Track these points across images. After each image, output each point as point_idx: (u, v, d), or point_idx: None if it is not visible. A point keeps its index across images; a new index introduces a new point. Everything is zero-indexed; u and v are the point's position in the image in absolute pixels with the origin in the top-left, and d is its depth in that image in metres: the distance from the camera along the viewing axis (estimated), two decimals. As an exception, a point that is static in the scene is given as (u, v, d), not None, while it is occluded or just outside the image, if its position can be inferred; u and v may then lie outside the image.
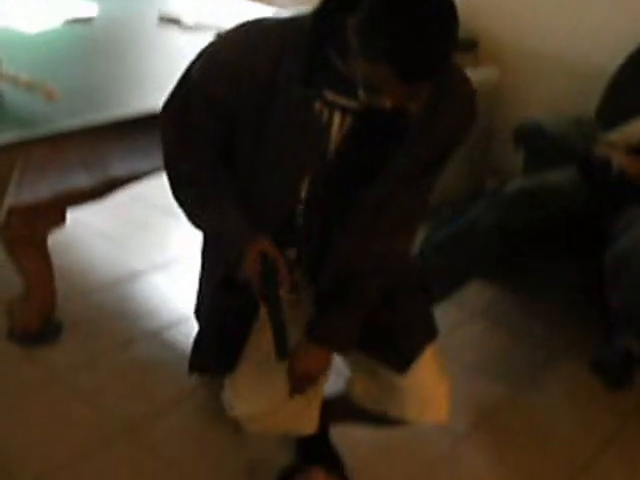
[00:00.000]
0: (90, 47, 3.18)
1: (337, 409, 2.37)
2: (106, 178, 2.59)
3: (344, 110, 1.83)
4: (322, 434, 2.39)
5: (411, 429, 2.23)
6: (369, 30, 1.63)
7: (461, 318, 2.18)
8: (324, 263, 2.09)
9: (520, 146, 3.56)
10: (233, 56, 1.89)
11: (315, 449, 2.41)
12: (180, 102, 2.01)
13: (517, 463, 2.57)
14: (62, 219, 2.66)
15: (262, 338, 2.16)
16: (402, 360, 2.11)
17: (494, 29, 4.15)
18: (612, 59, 3.57)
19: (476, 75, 3.98)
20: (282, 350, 1.98)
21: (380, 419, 2.23)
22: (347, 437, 2.49)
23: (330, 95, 1.82)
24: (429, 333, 2.17)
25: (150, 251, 3.42)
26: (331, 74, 1.80)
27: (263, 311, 2.11)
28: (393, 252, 2.09)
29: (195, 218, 2.10)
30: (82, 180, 2.52)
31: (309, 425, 2.26)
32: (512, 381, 2.95)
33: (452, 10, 1.64)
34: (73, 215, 3.17)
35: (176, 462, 2.41)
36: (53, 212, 2.59)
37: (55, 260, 2.80)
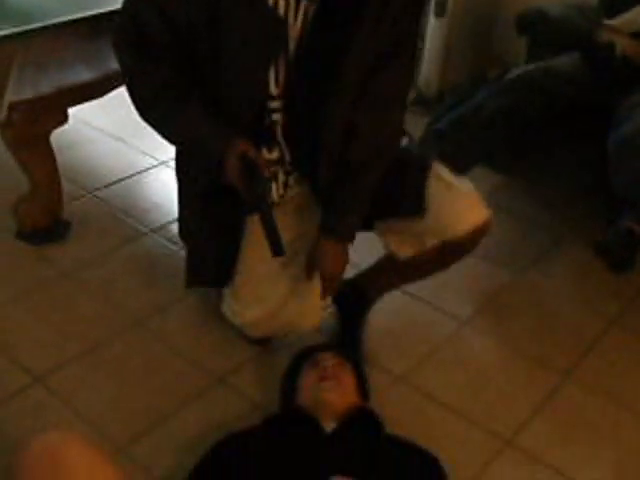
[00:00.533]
0: None
1: (381, 277, 2.43)
2: (106, 72, 2.56)
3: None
4: (362, 310, 2.45)
5: (422, 311, 2.25)
6: None
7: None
8: (314, 157, 2.09)
9: (523, 34, 3.51)
10: None
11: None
12: (131, 20, 1.96)
13: (521, 345, 2.60)
14: (64, 116, 2.65)
15: (255, 244, 2.18)
16: (415, 206, 2.14)
17: None
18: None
19: (479, -37, 3.93)
20: (277, 247, 1.99)
21: (425, 266, 2.29)
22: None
23: None
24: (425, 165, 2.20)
25: (155, 148, 3.40)
26: None
27: (251, 217, 2.13)
28: (384, 132, 2.09)
29: (168, 135, 2.11)
30: (82, 75, 2.51)
31: (311, 319, 2.31)
32: (516, 266, 2.97)
33: None
34: (76, 114, 3.17)
35: (185, 350, 2.45)
36: (54, 108, 2.57)
37: (60, 159, 2.79)
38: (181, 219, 2.39)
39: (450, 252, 2.21)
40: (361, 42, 1.90)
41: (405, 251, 2.24)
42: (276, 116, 2.04)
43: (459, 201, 2.17)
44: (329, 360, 2.09)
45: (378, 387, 2.34)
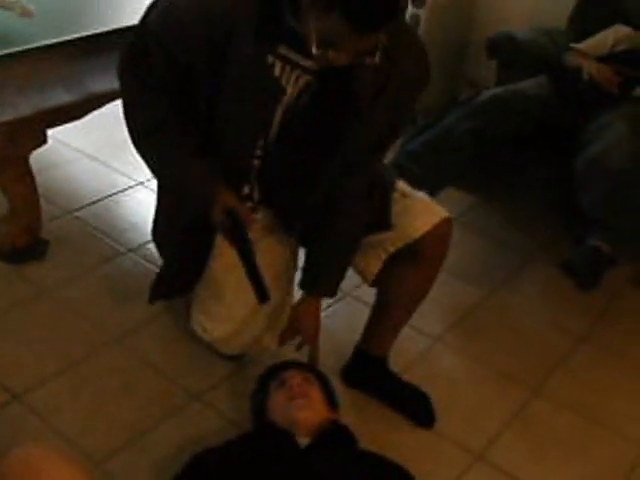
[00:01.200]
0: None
1: (380, 331, 2.41)
2: (85, 95, 2.58)
3: (299, 67, 1.85)
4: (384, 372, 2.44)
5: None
6: None
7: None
8: (284, 202, 2.17)
9: (493, 57, 3.56)
10: (188, 12, 1.89)
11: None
12: (138, 52, 2.01)
13: (492, 362, 2.63)
14: (43, 138, 2.65)
15: (223, 256, 2.23)
16: (383, 223, 2.20)
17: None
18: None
19: (451, -12, 3.98)
20: (262, 293, 2.05)
21: (409, 293, 2.32)
22: (330, 340, 2.54)
23: (283, 49, 1.83)
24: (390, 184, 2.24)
25: (132, 169, 3.41)
26: (284, 31, 1.80)
27: (220, 237, 2.19)
28: (364, 194, 2.15)
29: (157, 169, 2.15)
30: (61, 97, 2.51)
31: (271, 342, 2.34)
32: (487, 284, 3.01)
33: None
34: (56, 136, 3.19)
35: (162, 367, 2.46)
36: (34, 130, 2.57)
37: (39, 179, 2.79)
38: (155, 223, 2.43)
39: (423, 262, 2.24)
40: (355, 131, 1.95)
41: (372, 266, 2.27)
42: (255, 161, 2.09)
43: (414, 205, 2.22)
44: (295, 378, 2.10)
45: (353, 401, 2.39)
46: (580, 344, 2.76)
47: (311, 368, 2.22)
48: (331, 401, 2.14)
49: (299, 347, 2.30)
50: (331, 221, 2.14)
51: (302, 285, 2.25)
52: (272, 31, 1.82)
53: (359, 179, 2.10)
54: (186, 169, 2.06)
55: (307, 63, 1.83)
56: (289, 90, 1.91)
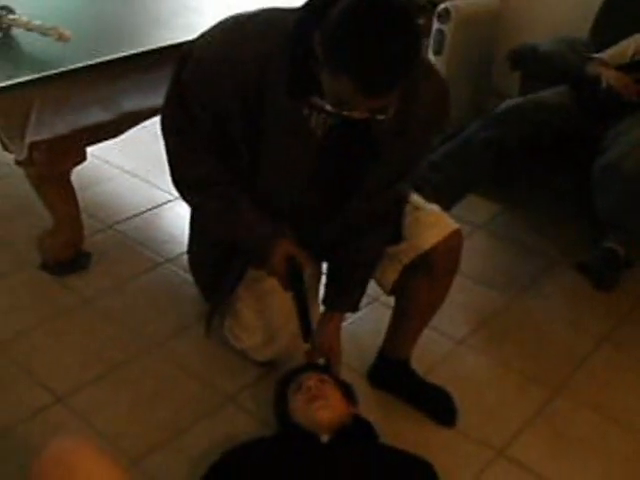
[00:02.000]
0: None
1: (400, 336, 2.46)
2: (121, 113, 2.66)
3: (325, 112, 1.82)
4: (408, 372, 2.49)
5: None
6: (332, 43, 1.64)
7: (463, 232, 2.27)
8: (313, 235, 2.23)
9: (516, 68, 3.60)
10: (220, 66, 1.90)
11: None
12: (176, 105, 2.04)
13: (515, 363, 2.67)
14: (82, 156, 2.74)
15: (259, 275, 2.29)
16: (394, 236, 2.25)
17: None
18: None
19: (476, 3, 4.02)
20: (308, 333, 2.22)
21: (428, 300, 2.36)
22: (357, 343, 2.61)
23: (314, 99, 1.81)
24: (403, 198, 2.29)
25: (170, 184, 3.46)
26: (314, 80, 1.77)
27: None
28: (389, 229, 2.24)
29: (209, 225, 2.23)
30: (98, 116, 2.60)
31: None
32: (509, 288, 3.04)
33: (412, 26, 1.66)
34: (96, 153, 3.29)
35: (197, 371, 2.53)
36: (73, 148, 2.67)
37: (80, 195, 2.90)
38: (191, 244, 2.51)
39: (436, 273, 2.27)
40: (375, 170, 2.00)
41: (389, 277, 2.32)
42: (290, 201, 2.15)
43: (425, 218, 2.26)
44: (311, 380, 2.14)
45: (378, 402, 2.45)
46: (600, 345, 2.78)
47: (325, 369, 2.27)
48: (349, 397, 2.18)
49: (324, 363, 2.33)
50: (353, 242, 2.19)
51: (324, 301, 2.32)
52: (304, 82, 1.80)
53: (379, 206, 2.16)
54: (246, 224, 2.10)
55: (330, 108, 1.79)
56: (318, 132, 1.92)
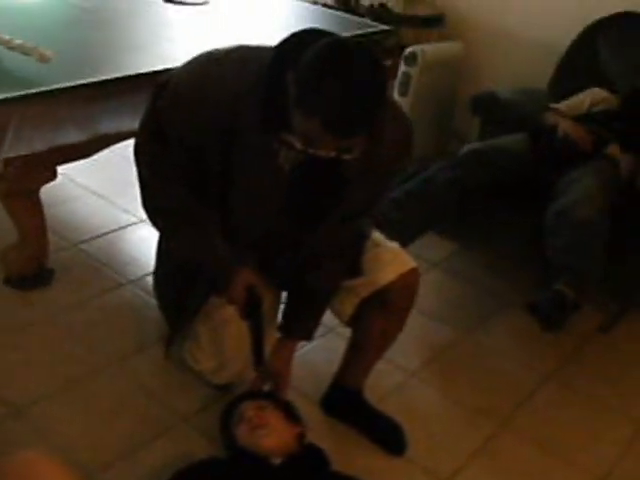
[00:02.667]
0: (84, 16, 3.24)
1: (353, 367, 2.51)
2: (96, 135, 2.67)
3: (293, 148, 1.84)
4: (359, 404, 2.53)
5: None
6: (304, 85, 1.70)
7: (420, 269, 2.33)
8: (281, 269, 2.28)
9: (476, 114, 3.70)
10: (195, 98, 1.94)
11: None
12: (151, 134, 2.07)
13: (464, 397, 2.73)
14: (53, 173, 2.75)
15: (219, 302, 2.31)
16: (353, 270, 2.30)
17: (460, 6, 4.27)
18: (564, 37, 3.72)
19: (442, 48, 4.13)
20: (259, 361, 2.25)
21: (382, 335, 2.40)
22: (311, 371, 2.66)
23: (285, 135, 1.83)
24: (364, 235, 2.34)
25: (137, 207, 3.45)
26: (286, 117, 1.80)
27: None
28: (349, 255, 2.29)
29: (175, 245, 2.25)
30: (73, 136, 2.60)
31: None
32: (462, 325, 3.11)
33: (381, 72, 1.74)
34: (65, 172, 3.30)
35: (154, 390, 2.54)
36: (45, 166, 2.69)
37: (47, 212, 2.91)
38: (157, 265, 2.53)
39: (391, 308, 2.33)
40: (339, 205, 2.04)
41: (346, 309, 2.37)
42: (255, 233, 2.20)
43: (384, 254, 2.31)
44: (250, 410, 2.16)
45: (331, 429, 2.49)
46: (545, 382, 2.86)
47: (268, 395, 2.29)
48: (293, 417, 2.21)
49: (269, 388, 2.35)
50: (312, 272, 2.23)
51: (280, 328, 2.35)
52: (277, 119, 1.82)
53: (339, 238, 2.20)
54: (211, 250, 2.13)
55: (299, 146, 1.81)
56: (286, 167, 1.93)
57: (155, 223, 2.24)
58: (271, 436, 2.09)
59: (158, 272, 2.53)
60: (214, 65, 1.96)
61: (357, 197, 2.05)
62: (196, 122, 1.96)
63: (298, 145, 1.78)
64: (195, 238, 2.14)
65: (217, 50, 1.99)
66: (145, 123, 2.11)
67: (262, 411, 2.15)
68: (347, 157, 1.79)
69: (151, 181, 2.14)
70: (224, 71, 1.94)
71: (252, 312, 2.20)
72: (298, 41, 1.82)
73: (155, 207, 2.19)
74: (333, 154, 1.77)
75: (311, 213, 2.07)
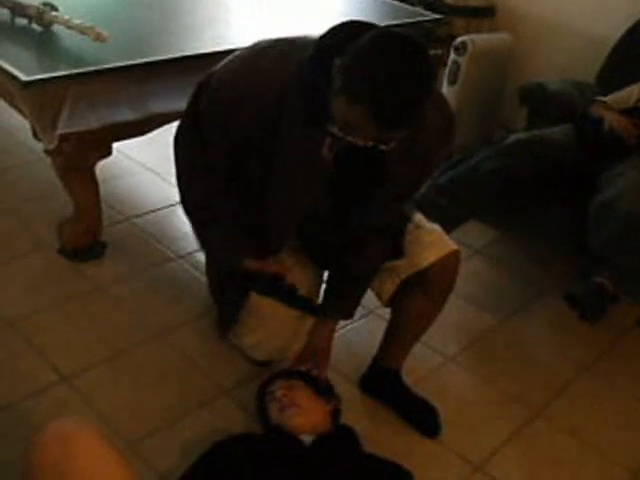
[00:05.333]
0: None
1: (395, 347, 2.45)
2: (148, 114, 2.66)
3: (333, 136, 1.77)
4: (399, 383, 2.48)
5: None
6: (353, 72, 1.64)
7: (461, 255, 2.27)
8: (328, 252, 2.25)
9: (524, 104, 3.60)
10: (239, 97, 1.88)
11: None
12: (191, 130, 2.04)
13: (499, 383, 2.66)
14: (108, 150, 2.76)
15: (259, 302, 2.29)
16: (395, 252, 2.24)
17: (511, -1, 4.18)
18: (614, 31, 3.60)
19: (492, 39, 4.04)
20: (314, 309, 2.26)
21: (422, 315, 2.35)
22: (352, 351, 2.60)
23: (329, 126, 1.76)
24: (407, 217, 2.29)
25: None
26: (328, 109, 1.74)
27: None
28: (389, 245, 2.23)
29: (204, 238, 2.21)
30: (126, 115, 2.60)
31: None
32: (500, 312, 3.03)
33: (429, 64, 1.66)
34: (120, 149, 3.30)
35: (198, 362, 2.53)
36: (100, 142, 2.69)
37: (102, 187, 2.91)
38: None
39: (431, 290, 2.27)
40: (382, 190, 1.98)
41: (387, 289, 2.32)
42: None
43: (425, 237, 2.25)
44: (280, 389, 2.13)
45: (367, 409, 2.44)
46: (582, 374, 2.77)
47: (296, 372, 2.24)
48: (324, 394, 2.17)
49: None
50: (354, 253, 2.18)
51: (321, 307, 2.32)
52: (320, 111, 1.76)
53: (381, 222, 2.15)
54: (234, 248, 2.13)
55: (338, 132, 1.75)
56: (328, 156, 1.85)
57: (188, 212, 2.20)
58: (300, 415, 2.05)
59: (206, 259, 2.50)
60: (254, 62, 1.90)
61: (399, 182, 1.99)
62: (237, 121, 1.91)
63: (336, 131, 1.72)
64: (221, 237, 2.13)
65: (257, 46, 1.93)
66: (185, 120, 2.07)
67: (292, 390, 2.12)
68: (384, 148, 1.74)
69: (188, 173, 2.12)
70: (265, 67, 1.87)
71: (291, 299, 2.19)
72: (342, 32, 1.77)
73: (190, 197, 2.16)
74: (370, 143, 1.71)
75: (353, 199, 2.02)
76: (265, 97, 1.85)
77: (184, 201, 2.18)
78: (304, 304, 2.23)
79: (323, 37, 1.82)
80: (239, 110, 1.89)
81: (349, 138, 1.71)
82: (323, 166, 1.87)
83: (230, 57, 1.96)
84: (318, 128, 1.78)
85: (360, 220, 2.09)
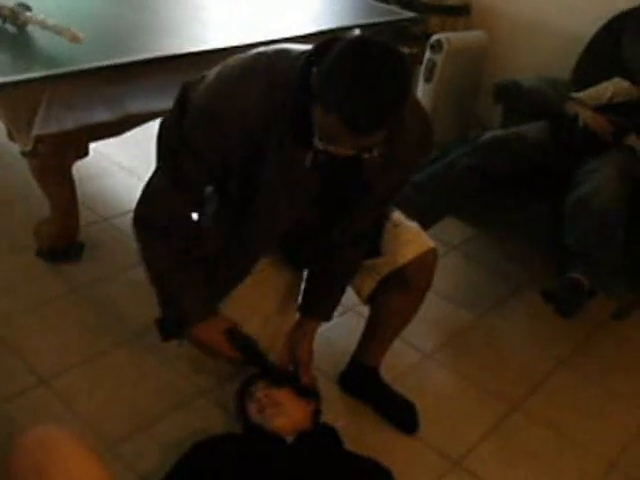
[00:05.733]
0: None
1: (372, 344, 2.45)
2: (124, 115, 2.63)
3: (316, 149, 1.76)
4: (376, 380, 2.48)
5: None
6: (324, 80, 1.63)
7: (438, 252, 2.27)
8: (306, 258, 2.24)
9: (499, 101, 3.61)
10: (224, 118, 1.81)
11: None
12: (170, 150, 1.96)
13: (476, 378, 2.67)
14: (85, 151, 2.73)
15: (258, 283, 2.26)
16: (373, 250, 2.24)
17: (486, -4, 4.18)
18: (588, 28, 3.61)
19: (467, 37, 4.05)
20: (266, 367, 2.18)
21: (399, 312, 2.35)
22: (330, 349, 2.60)
23: (316, 142, 1.74)
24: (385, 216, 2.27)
25: None
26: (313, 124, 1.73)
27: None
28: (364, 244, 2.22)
29: (150, 266, 2.14)
30: (102, 115, 2.57)
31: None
32: (477, 308, 3.04)
33: (404, 70, 1.63)
34: (96, 149, 3.26)
35: (176, 363, 2.51)
36: (77, 143, 2.66)
37: (79, 188, 2.87)
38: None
39: (409, 287, 2.27)
40: (363, 199, 1.98)
41: (366, 287, 2.32)
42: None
43: (403, 235, 2.25)
44: (259, 390, 2.11)
45: (347, 406, 2.44)
46: (559, 367, 2.78)
47: (276, 372, 2.21)
48: (305, 394, 2.15)
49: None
50: (334, 255, 2.18)
51: (300, 309, 2.31)
52: (306, 128, 1.74)
53: (363, 226, 2.15)
54: (188, 284, 2.07)
55: (319, 143, 1.73)
56: (309, 167, 1.84)
57: (137, 232, 2.11)
58: (280, 416, 2.04)
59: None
60: (239, 79, 1.83)
61: (379, 191, 1.99)
62: (225, 141, 1.85)
63: (317, 143, 1.71)
64: (171, 273, 2.08)
65: (241, 60, 1.86)
66: (164, 139, 2.00)
67: (272, 391, 2.10)
68: (366, 156, 1.72)
69: (163, 193, 2.03)
70: (250, 85, 1.81)
71: (244, 347, 2.13)
72: (324, 45, 1.72)
73: (156, 221, 2.05)
74: (351, 152, 1.70)
75: (337, 209, 2.01)
76: (250, 113, 1.80)
77: (144, 221, 2.08)
78: (259, 360, 2.18)
79: (309, 56, 1.77)
80: (225, 129, 1.83)
81: (331, 148, 1.70)
82: (308, 182, 1.87)
83: (213, 73, 1.88)
84: (304, 146, 1.77)
85: (343, 227, 2.09)
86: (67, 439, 1.46)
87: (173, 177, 1.97)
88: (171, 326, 2.16)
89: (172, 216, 2.02)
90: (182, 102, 1.92)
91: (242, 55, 1.87)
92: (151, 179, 2.05)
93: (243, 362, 2.18)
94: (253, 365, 2.18)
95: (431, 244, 2.27)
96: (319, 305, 2.29)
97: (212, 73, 1.88)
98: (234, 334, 2.11)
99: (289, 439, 1.97)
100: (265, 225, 2.03)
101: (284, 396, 2.09)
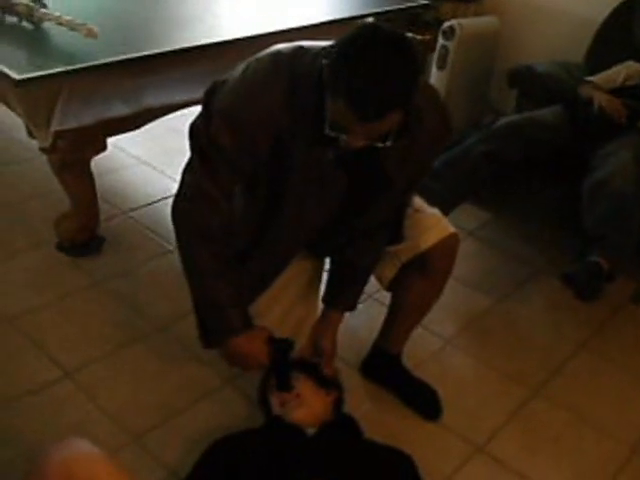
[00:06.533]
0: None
1: (394, 330, 2.43)
2: (141, 109, 2.63)
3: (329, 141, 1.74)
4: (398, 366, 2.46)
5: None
6: (331, 68, 1.62)
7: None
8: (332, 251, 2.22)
9: (513, 87, 3.58)
10: (249, 120, 1.79)
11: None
12: (201, 154, 1.92)
13: (497, 364, 2.64)
14: (103, 145, 2.72)
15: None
16: (395, 237, 2.21)
17: (497, -18, 4.13)
18: (600, 11, 3.57)
19: (479, 23, 4.00)
20: (286, 384, 2.08)
21: (421, 297, 2.32)
22: (352, 337, 2.57)
23: (331, 133, 1.71)
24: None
25: None
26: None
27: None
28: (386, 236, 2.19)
29: (191, 274, 2.06)
30: (119, 110, 2.56)
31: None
32: (496, 293, 3.01)
33: (411, 57, 1.61)
34: (115, 143, 3.26)
35: (199, 354, 2.45)
36: (95, 138, 2.65)
37: (98, 182, 2.87)
38: None
39: (431, 272, 2.24)
40: (385, 193, 1.96)
41: (387, 273, 2.29)
42: None
43: (425, 220, 2.22)
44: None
45: (369, 393, 2.43)
46: (579, 351, 2.75)
47: (298, 362, 2.17)
48: (326, 384, 2.12)
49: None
50: (357, 245, 2.15)
51: (324, 299, 2.29)
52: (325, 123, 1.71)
53: (384, 216, 2.12)
54: (229, 294, 2.01)
55: (330, 133, 1.70)
56: (331, 163, 1.84)
57: (177, 229, 2.05)
58: (300, 408, 2.01)
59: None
60: (262, 79, 1.80)
61: (400, 184, 1.97)
62: (252, 143, 1.83)
63: (329, 131, 1.69)
64: (216, 280, 2.01)
65: (263, 58, 1.84)
66: (195, 143, 1.95)
67: (294, 382, 2.07)
68: (381, 146, 1.70)
69: (191, 197, 1.98)
70: (273, 85, 1.78)
71: (282, 357, 2.07)
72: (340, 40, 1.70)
73: (191, 233, 2.01)
74: (363, 142, 1.68)
75: (361, 205, 1.99)
76: (275, 112, 1.78)
77: (181, 233, 2.03)
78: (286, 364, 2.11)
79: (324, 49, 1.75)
80: (251, 130, 1.80)
81: (343, 138, 1.68)
82: (333, 180, 1.86)
83: (235, 74, 1.85)
84: (326, 143, 1.76)
85: (366, 219, 2.07)
86: (90, 460, 1.38)
87: (205, 175, 1.93)
88: (213, 336, 2.11)
89: (208, 215, 1.96)
90: (207, 104, 1.89)
91: (260, 56, 1.84)
92: (184, 174, 2.00)
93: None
94: (276, 375, 2.13)
95: (452, 229, 2.24)
96: (343, 296, 2.26)
97: (234, 77, 1.85)
98: (276, 342, 2.06)
99: (310, 431, 1.94)
100: (294, 224, 2.00)
101: (305, 388, 2.07)
